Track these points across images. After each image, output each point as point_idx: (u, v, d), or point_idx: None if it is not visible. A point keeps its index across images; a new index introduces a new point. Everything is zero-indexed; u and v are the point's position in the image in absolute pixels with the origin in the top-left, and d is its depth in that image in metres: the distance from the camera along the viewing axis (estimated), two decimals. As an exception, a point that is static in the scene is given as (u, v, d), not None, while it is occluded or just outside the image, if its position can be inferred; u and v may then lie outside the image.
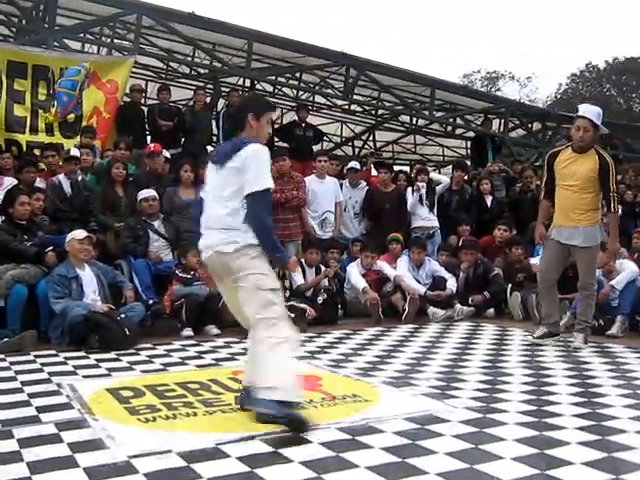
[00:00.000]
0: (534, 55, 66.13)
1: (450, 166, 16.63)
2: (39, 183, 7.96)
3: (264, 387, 3.54)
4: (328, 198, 9.01)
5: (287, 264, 4.05)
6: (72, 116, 9.79)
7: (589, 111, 6.06)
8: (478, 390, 4.43)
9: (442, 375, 4.93)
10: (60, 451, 3.24)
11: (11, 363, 5.40)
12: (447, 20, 76.98)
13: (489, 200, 10.25)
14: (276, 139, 12.21)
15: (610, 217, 6.24)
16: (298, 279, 7.77)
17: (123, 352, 5.79)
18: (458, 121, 16.10)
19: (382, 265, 8.21)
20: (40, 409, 3.99)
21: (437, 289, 8.06)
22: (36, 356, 5.66)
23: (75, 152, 8.17)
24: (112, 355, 5.70)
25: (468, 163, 14.94)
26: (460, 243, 8.93)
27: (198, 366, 5.29)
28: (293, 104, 15.57)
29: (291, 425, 3.47)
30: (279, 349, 3.58)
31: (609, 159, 5.99)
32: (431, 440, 3.36)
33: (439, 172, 17.42)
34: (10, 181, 7.97)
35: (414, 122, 16.77)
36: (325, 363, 5.40)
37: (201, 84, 13.30)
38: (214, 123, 11.37)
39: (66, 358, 5.59)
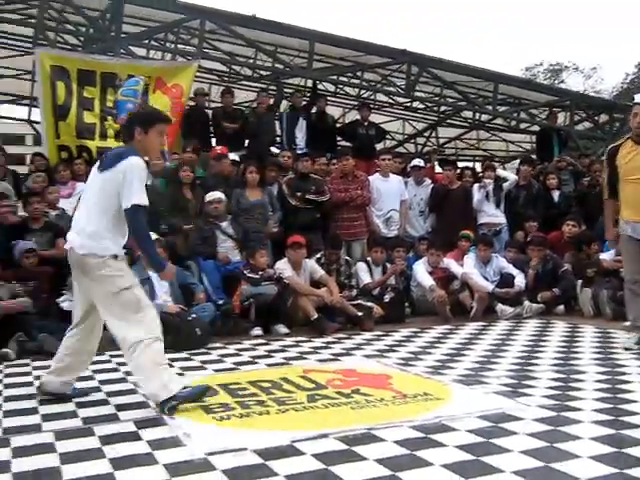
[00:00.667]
0: (598, 45, 64.62)
1: (514, 161, 16.44)
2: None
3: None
4: (393, 196, 9.01)
5: (166, 274, 4.28)
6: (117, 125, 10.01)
7: None
8: (551, 388, 4.38)
9: (513, 373, 4.88)
10: (140, 448, 3.34)
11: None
12: (507, 13, 75.80)
13: (556, 195, 10.07)
14: (339, 138, 12.28)
15: None
16: (365, 278, 7.79)
17: (195, 352, 5.92)
18: (522, 115, 15.84)
19: (449, 263, 8.15)
20: (118, 407, 4.12)
21: (505, 286, 7.95)
22: (111, 356, 5.80)
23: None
24: (184, 355, 5.83)
25: (534, 157, 14.76)
26: (528, 239, 8.80)
27: (269, 365, 5.36)
28: (355, 103, 15.58)
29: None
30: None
31: None
32: (505, 438, 3.34)
33: (503, 168, 17.20)
34: (83, 186, 8.20)
35: (477, 117, 16.59)
36: (394, 361, 5.40)
37: (263, 86, 13.42)
38: (277, 124, 11.45)
39: (140, 358, 5.72)
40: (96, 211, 4.06)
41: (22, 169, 11.62)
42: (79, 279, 4.24)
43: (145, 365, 3.96)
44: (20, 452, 3.32)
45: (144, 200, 3.97)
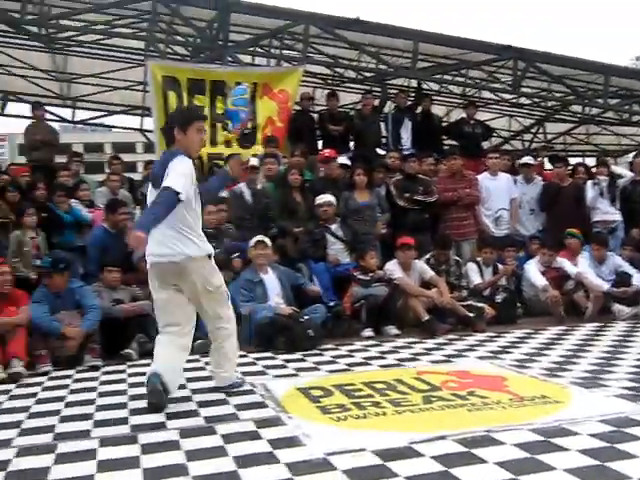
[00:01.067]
0: None
1: (627, 155, 15.84)
2: (223, 193, 8.38)
3: None
4: (502, 195, 8.86)
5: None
6: (249, 126, 10.24)
7: None
8: (680, 394, 4.22)
9: (634, 376, 4.73)
10: (261, 447, 3.43)
11: (206, 363, 5.72)
12: (613, 2, 73.05)
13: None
14: (444, 138, 12.17)
15: None
16: (475, 278, 7.71)
17: (308, 353, 6.01)
18: (635, 107, 15.25)
19: (562, 262, 7.94)
20: (238, 407, 4.23)
21: (622, 285, 7.68)
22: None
23: (254, 162, 8.52)
24: (298, 356, 5.93)
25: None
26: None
27: (381, 366, 5.38)
28: (459, 101, 15.39)
29: None
30: None
31: None
32: (630, 443, 3.25)
33: (615, 162, 16.61)
34: (195, 192, 8.47)
35: (586, 111, 16.07)
36: (508, 363, 5.33)
37: (367, 88, 13.42)
38: (382, 126, 11.46)
39: (255, 359, 5.88)
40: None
41: (134, 176, 12.10)
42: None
43: None
44: (148, 449, 3.47)
45: (178, 187, 4.05)
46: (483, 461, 3.09)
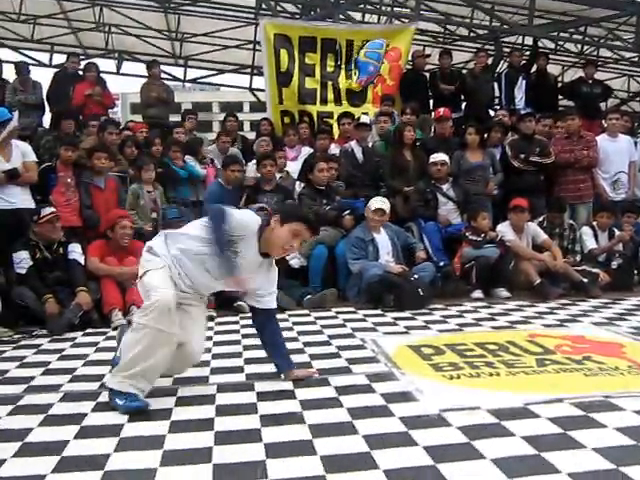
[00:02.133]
0: None
1: None
2: (333, 149, 8.44)
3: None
4: (621, 158, 8.50)
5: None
6: (356, 85, 10.23)
7: None
8: None
9: None
10: (375, 400, 3.47)
11: (316, 318, 5.85)
12: None
13: None
14: (560, 97, 11.77)
15: None
16: (590, 243, 7.48)
17: (417, 312, 6.01)
18: None
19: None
20: (350, 361, 4.29)
21: None
22: (337, 312, 6.07)
23: (365, 119, 8.51)
24: (407, 314, 5.94)
25: None
26: None
27: (493, 327, 5.33)
28: (575, 60, 14.84)
29: None
30: None
31: None
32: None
33: None
34: (307, 150, 8.56)
35: None
36: (625, 330, 5.16)
37: (480, 46, 13.11)
38: (495, 85, 11.18)
39: (365, 315, 5.93)
40: None
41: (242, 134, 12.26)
42: None
43: None
44: (264, 397, 3.56)
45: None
46: (603, 426, 3.02)
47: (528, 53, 11.86)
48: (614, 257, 7.41)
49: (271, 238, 3.67)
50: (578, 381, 3.76)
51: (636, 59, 14.78)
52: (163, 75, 13.03)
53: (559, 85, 12.36)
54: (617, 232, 7.60)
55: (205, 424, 3.18)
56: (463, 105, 10.72)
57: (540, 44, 13.24)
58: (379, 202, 6.87)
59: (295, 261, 6.74)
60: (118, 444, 2.96)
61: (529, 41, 13.10)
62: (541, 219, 7.51)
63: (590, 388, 3.59)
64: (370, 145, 8.33)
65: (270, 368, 4.04)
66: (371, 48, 10.17)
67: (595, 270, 7.06)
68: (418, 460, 2.70)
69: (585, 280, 6.90)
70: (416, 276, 6.40)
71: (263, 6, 12.23)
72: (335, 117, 9.81)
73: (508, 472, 2.55)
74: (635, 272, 7.59)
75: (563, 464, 2.61)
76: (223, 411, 3.36)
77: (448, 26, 14.02)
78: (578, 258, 7.37)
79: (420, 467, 2.64)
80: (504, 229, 7.13)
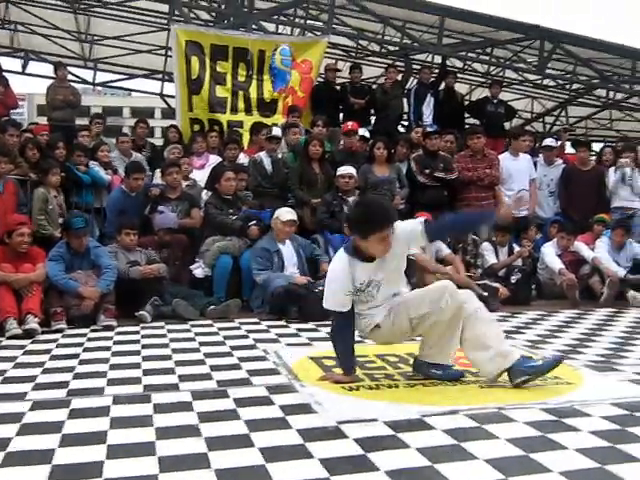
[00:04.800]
0: None
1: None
2: (242, 160, 8.40)
3: None
4: (522, 176, 8.82)
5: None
6: (276, 94, 10.25)
7: None
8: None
9: (649, 362, 4.71)
10: (273, 412, 3.43)
11: (219, 329, 5.79)
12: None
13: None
14: (466, 115, 12.08)
15: None
16: (490, 258, 7.68)
17: (321, 323, 5.98)
18: (662, 95, 15.09)
19: (579, 246, 7.92)
20: (250, 372, 4.24)
21: (638, 272, 7.66)
22: (241, 323, 6.03)
23: (276, 131, 8.52)
24: (311, 325, 5.95)
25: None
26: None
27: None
28: (482, 80, 15.28)
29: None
30: None
31: None
32: (642, 427, 3.23)
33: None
34: (215, 159, 8.49)
35: (611, 96, 15.92)
36: (522, 343, 5.30)
37: (391, 61, 13.33)
38: (405, 101, 11.39)
39: (268, 326, 5.91)
40: None
41: (151, 141, 12.08)
42: None
43: None
44: (161, 408, 3.48)
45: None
46: (494, 437, 3.08)
47: (437, 71, 12.16)
48: (513, 272, 7.62)
49: (367, 249, 3.81)
50: (474, 393, 3.83)
51: (539, 81, 15.36)
52: (71, 77, 12.73)
53: (466, 103, 12.70)
54: (516, 248, 7.84)
55: (97, 437, 3.07)
56: (373, 119, 10.87)
57: (449, 63, 13.61)
58: (289, 213, 6.87)
59: (199, 271, 6.67)
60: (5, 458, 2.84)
61: (438, 59, 13.40)
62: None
63: (485, 400, 3.66)
64: (279, 156, 8.33)
65: (168, 380, 3.97)
66: (284, 55, 10.22)
67: (495, 284, 7.24)
68: (312, 473, 2.68)
69: (485, 294, 7.04)
70: (321, 288, 6.39)
71: (176, 12, 12.09)
72: (245, 126, 9.79)
73: (401, 483, 2.57)
74: (533, 287, 7.83)
75: (455, 475, 2.64)
76: (117, 423, 3.26)
77: (360, 41, 14.20)
78: (479, 272, 7.54)
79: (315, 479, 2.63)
80: (408, 243, 7.22)
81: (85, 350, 4.96)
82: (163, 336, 5.46)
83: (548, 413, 3.44)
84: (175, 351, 4.88)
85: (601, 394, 3.82)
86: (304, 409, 3.50)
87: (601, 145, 12.39)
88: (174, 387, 3.89)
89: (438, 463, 2.75)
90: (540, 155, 9.49)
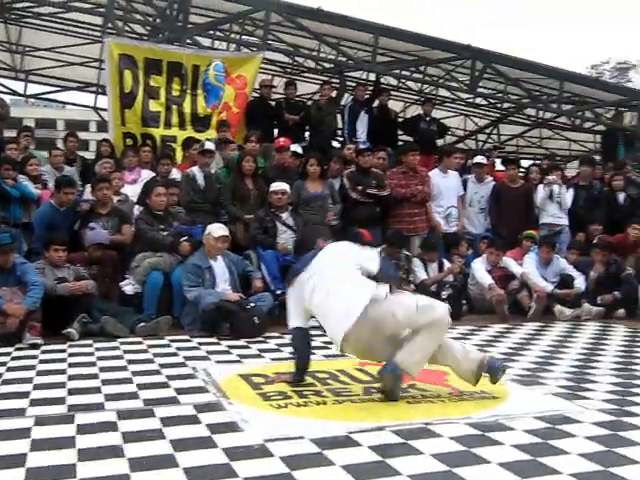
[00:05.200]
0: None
1: (576, 161, 16.12)
2: (175, 175, 8.33)
3: None
4: (452, 192, 9.01)
5: None
6: (209, 110, 10.22)
7: None
8: (610, 392, 4.31)
9: (572, 375, 4.82)
10: (200, 431, 3.40)
11: (148, 346, 5.71)
12: (573, 10, 74.32)
13: (621, 197, 9.87)
14: (400, 132, 12.24)
15: None
16: (421, 274, 7.77)
17: (252, 340, 6.00)
18: (587, 114, 15.54)
19: (508, 262, 8.08)
20: (178, 391, 4.20)
21: (565, 287, 7.87)
22: (171, 340, 5.96)
23: (209, 146, 8.47)
24: (242, 343, 5.92)
25: (597, 158, 14.47)
26: (593, 242, 8.67)
27: (325, 356, 5.40)
28: (416, 97, 15.51)
29: None
30: None
31: None
32: (563, 440, 3.31)
33: (565, 167, 16.88)
34: (148, 173, 8.40)
35: (540, 115, 16.34)
36: (451, 358, 5.37)
37: (326, 78, 13.41)
38: (339, 118, 11.48)
39: (199, 344, 5.86)
40: None
41: (87, 154, 11.91)
42: None
43: None
44: (84, 429, 3.41)
45: None
46: (419, 452, 3.11)
47: (371, 88, 12.29)
48: (444, 288, 7.74)
49: None
50: (401, 409, 3.86)
51: (471, 100, 15.67)
52: (0, 89, 12.44)
53: (400, 120, 12.87)
54: (447, 264, 7.96)
55: (15, 460, 2.99)
56: (307, 135, 10.92)
57: (383, 81, 13.77)
58: (221, 229, 6.83)
59: (129, 287, 6.59)
60: None
61: (373, 77, 13.55)
62: (379, 250, 7.71)
63: (411, 415, 3.70)
64: (212, 171, 8.29)
65: (94, 399, 3.90)
66: (218, 71, 10.20)
67: (426, 300, 7.31)
68: (236, 492, 2.67)
69: (416, 310, 7.12)
70: (252, 304, 6.40)
71: (110, 25, 11.95)
72: (179, 141, 9.72)
73: (324, 502, 2.57)
74: (464, 302, 7.95)
75: (378, 492, 2.66)
76: (38, 445, 3.18)
77: (296, 58, 14.26)
78: (411, 288, 7.61)
79: (238, 499, 2.62)
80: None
81: (9, 369, 4.83)
82: (90, 354, 5.36)
83: (473, 427, 3.50)
84: (102, 370, 4.79)
85: (525, 408, 3.91)
86: (231, 427, 3.48)
87: (531, 162, 12.72)
88: (99, 407, 3.82)
89: (362, 480, 2.77)
90: (471, 172, 9.66)
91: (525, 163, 12.84)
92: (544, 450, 3.17)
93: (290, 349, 5.58)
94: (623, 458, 3.07)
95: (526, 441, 3.30)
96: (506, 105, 16.17)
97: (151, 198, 7.11)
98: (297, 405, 3.89)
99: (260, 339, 6.08)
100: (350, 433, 3.36)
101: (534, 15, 69.29)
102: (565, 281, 7.96)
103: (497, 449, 3.18)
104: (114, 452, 3.10)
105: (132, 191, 8.07)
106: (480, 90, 14.31)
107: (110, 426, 3.47)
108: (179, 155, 9.52)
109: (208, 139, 9.21)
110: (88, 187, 7.89)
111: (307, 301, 4.20)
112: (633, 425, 3.57)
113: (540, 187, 9.30)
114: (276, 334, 6.29)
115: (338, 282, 4.10)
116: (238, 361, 5.21)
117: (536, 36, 68.11)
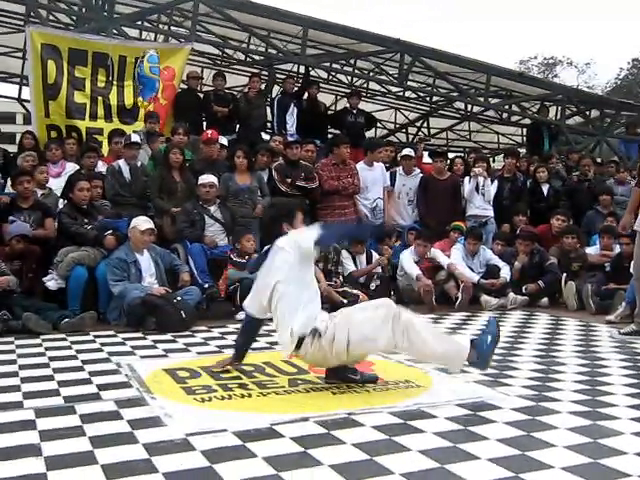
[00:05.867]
0: (593, 40, 64.55)
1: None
2: (101, 167, 8.18)
3: None
4: (378, 185, 9.07)
5: None
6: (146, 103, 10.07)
7: None
8: (531, 379, 4.42)
9: (494, 363, 4.86)
10: (120, 427, 3.34)
11: (72, 342, 5.58)
12: (503, 5, 75.78)
13: (545, 188, 10.13)
14: (329, 125, 12.27)
15: None
16: (349, 266, 7.81)
17: (179, 334, 5.93)
18: (514, 108, 15.86)
19: (436, 253, 8.19)
20: (100, 387, 4.12)
21: (490, 277, 8.01)
22: (95, 336, 5.84)
23: (135, 138, 8.33)
24: (168, 337, 5.85)
25: (523, 151, 14.79)
26: (517, 232, 8.87)
27: (252, 349, 5.35)
28: (347, 91, 15.57)
29: None
30: None
31: None
32: (483, 426, 3.37)
33: (493, 160, 17.21)
34: (72, 166, 8.22)
35: (469, 109, 16.61)
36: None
37: (256, 71, 13.35)
38: (269, 110, 11.44)
39: (124, 339, 5.76)
40: None
41: (13, 148, 11.57)
42: None
43: None
44: (1, 428, 3.32)
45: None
46: (341, 442, 3.13)
47: (301, 81, 12.29)
48: (373, 279, 7.79)
49: None
50: (326, 399, 3.87)
51: (401, 93, 15.82)
52: None
53: (329, 113, 12.90)
54: (375, 255, 8.02)
55: None
56: (237, 128, 10.85)
57: (314, 73, 13.77)
58: (146, 222, 6.72)
59: (52, 283, 6.43)
60: None
61: (303, 69, 13.54)
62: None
63: (335, 406, 3.71)
64: (139, 164, 8.16)
65: (12, 397, 3.80)
66: (152, 62, 10.05)
67: (355, 291, 7.36)
68: (156, 487, 2.64)
69: (345, 301, 7.16)
70: (179, 298, 6.33)
71: (32, 14, 11.63)
72: (105, 134, 9.54)
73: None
74: (392, 292, 8.01)
75: (299, 483, 2.66)
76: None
77: (225, 50, 14.15)
78: (340, 280, 7.64)
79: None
80: (270, 251, 7.26)
81: None
82: (11, 352, 5.20)
83: (396, 416, 3.53)
84: (22, 367, 4.66)
85: (448, 396, 3.97)
86: (153, 422, 3.43)
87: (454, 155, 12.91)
88: (17, 405, 3.72)
89: (283, 471, 2.77)
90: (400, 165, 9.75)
91: (454, 155, 12.99)
92: (464, 436, 3.22)
93: (217, 343, 5.60)
94: (540, 442, 3.14)
95: (447, 428, 3.34)
96: (435, 99, 16.41)
97: (74, 192, 6.95)
98: (221, 398, 3.86)
99: (187, 333, 6.01)
100: (273, 425, 3.35)
101: (472, 11, 70.42)
102: (491, 271, 8.11)
103: (419, 437, 3.22)
104: (31, 451, 3.02)
105: (56, 184, 7.88)
106: (409, 84, 14.46)
107: (28, 424, 3.38)
108: (105, 148, 9.33)
109: (135, 131, 9.07)
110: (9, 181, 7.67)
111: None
112: (551, 410, 3.67)
113: (467, 179, 9.44)
114: (203, 328, 6.26)
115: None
116: (164, 355, 5.13)
117: (473, 32, 68.85)
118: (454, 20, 74.52)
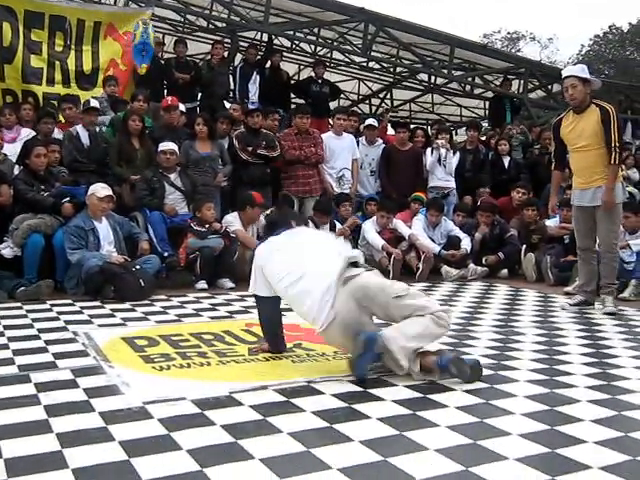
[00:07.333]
0: (556, 16, 64.88)
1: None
2: (57, 134, 7.99)
3: None
4: (345, 155, 9.00)
5: None
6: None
7: (570, 69, 6.07)
8: (490, 348, 4.45)
9: (454, 332, 4.92)
10: (76, 396, 3.29)
11: (28, 311, 5.48)
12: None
13: (506, 161, 10.19)
14: (292, 95, 12.17)
15: (610, 170, 5.75)
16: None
17: (138, 303, 5.88)
18: (477, 81, 15.90)
19: (397, 224, 8.21)
20: (56, 355, 4.05)
21: (451, 248, 8.06)
22: (52, 305, 5.75)
23: (95, 103, 8.16)
24: (127, 305, 5.79)
25: (485, 124, 14.85)
26: (478, 204, 8.92)
27: (212, 318, 5.35)
28: (311, 60, 15.44)
29: None
30: None
31: (610, 108, 5.73)
32: (442, 394, 3.37)
33: (456, 132, 17.26)
34: (28, 132, 8.02)
35: (432, 81, 16.60)
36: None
37: (218, 38, 13.16)
38: (231, 78, 11.29)
39: (82, 307, 5.68)
40: None
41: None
42: None
43: None
44: (-49, 398, 3.25)
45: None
46: (301, 410, 3.11)
47: (264, 49, 12.14)
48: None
49: None
50: (285, 368, 3.86)
51: (365, 64, 15.74)
52: None
53: (292, 82, 12.79)
54: (338, 225, 8.00)
55: None
56: (199, 95, 10.71)
57: (277, 42, 13.61)
58: (105, 189, 6.60)
59: (7, 251, 6.29)
60: None
61: (266, 37, 13.38)
62: (268, 212, 7.66)
63: (295, 374, 3.70)
64: (98, 130, 8.00)
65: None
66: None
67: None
68: (111, 456, 2.58)
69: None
70: (138, 267, 6.25)
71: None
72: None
73: (202, 461, 2.52)
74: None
75: (258, 450, 2.63)
76: None
77: (187, 16, 13.91)
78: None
79: (114, 462, 2.53)
80: (231, 219, 7.25)
81: None
82: (-35, 321, 5.11)
83: (355, 385, 3.52)
84: (-25, 336, 4.58)
85: (407, 364, 3.95)
86: (110, 391, 3.38)
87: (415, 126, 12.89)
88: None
89: (242, 439, 2.74)
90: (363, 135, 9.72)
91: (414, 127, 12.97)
92: (423, 404, 3.23)
93: (176, 312, 5.56)
94: (498, 409, 3.16)
95: (406, 396, 3.35)
96: (399, 70, 16.36)
97: (31, 158, 6.78)
98: (180, 367, 3.82)
99: (146, 302, 5.95)
100: (232, 393, 3.33)
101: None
102: (452, 242, 8.15)
103: (378, 404, 3.22)
104: (-17, 420, 2.96)
105: (11, 150, 7.67)
106: (373, 54, 14.38)
107: (-20, 394, 3.32)
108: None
109: (94, 97, 8.87)
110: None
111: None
112: (509, 378, 3.69)
113: (429, 150, 9.44)
114: (163, 297, 6.21)
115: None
116: (122, 324, 5.07)
117: (437, 4, 68.44)
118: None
